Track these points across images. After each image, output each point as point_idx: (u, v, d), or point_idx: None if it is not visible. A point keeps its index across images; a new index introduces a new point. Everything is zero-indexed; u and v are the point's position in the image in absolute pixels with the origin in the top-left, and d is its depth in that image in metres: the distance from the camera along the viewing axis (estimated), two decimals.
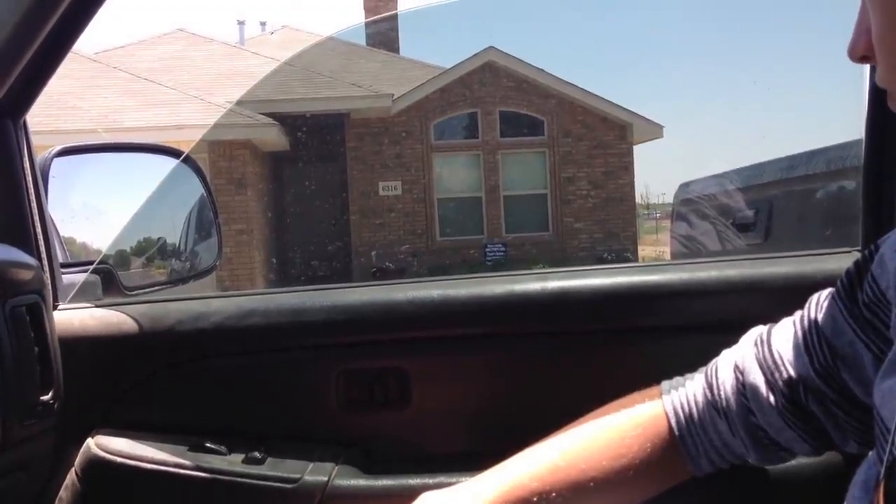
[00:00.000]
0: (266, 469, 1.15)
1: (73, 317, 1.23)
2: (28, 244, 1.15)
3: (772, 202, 3.18)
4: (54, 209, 1.28)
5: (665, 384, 0.92)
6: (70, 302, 1.26)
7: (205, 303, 1.28)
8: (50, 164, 1.32)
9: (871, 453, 0.75)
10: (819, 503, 1.06)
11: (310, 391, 1.24)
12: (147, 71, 12.99)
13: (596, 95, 14.67)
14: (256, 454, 1.17)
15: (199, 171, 1.56)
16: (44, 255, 1.18)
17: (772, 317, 0.91)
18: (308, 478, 1.14)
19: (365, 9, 17.33)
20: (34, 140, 1.22)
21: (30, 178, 1.18)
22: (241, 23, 19.31)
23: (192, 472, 1.15)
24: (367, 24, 17.28)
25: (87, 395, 1.20)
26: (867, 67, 1.02)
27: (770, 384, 0.85)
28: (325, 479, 1.14)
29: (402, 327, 1.23)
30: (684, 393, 0.90)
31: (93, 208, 1.73)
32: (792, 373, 0.84)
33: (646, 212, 21.45)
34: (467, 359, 1.23)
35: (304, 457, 1.17)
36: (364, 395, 1.23)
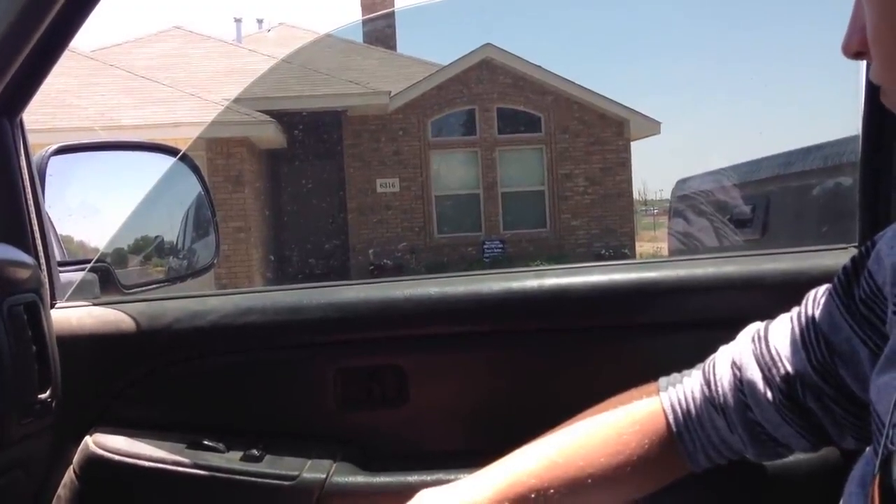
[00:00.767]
0: (264, 466, 1.16)
1: (71, 315, 1.23)
2: (25, 243, 1.15)
3: (769, 198, 3.19)
4: (51, 208, 1.28)
5: (662, 381, 0.93)
6: (68, 300, 1.26)
7: (202, 301, 1.28)
8: (47, 163, 1.32)
9: (868, 449, 0.76)
10: (816, 499, 1.06)
11: (307, 389, 1.24)
12: (144, 69, 12.96)
13: (593, 92, 14.65)
14: (254, 452, 1.17)
15: (196, 169, 1.56)
16: (41, 254, 1.18)
17: (769, 313, 0.91)
18: (306, 475, 1.14)
19: (362, 6, 17.32)
20: (31, 138, 1.22)
21: (26, 177, 1.18)
22: (237, 20, 19.35)
23: (190, 469, 1.15)
24: (365, 22, 17.28)
25: (85, 393, 1.20)
26: (864, 63, 1.02)
27: (767, 380, 0.85)
28: (323, 476, 1.14)
29: (399, 325, 1.23)
30: (682, 389, 0.90)
31: (90, 207, 1.72)
32: (789, 369, 0.84)
33: (643, 208, 21.46)
34: (465, 356, 1.24)
35: (302, 454, 1.17)
36: (361, 392, 1.23)
